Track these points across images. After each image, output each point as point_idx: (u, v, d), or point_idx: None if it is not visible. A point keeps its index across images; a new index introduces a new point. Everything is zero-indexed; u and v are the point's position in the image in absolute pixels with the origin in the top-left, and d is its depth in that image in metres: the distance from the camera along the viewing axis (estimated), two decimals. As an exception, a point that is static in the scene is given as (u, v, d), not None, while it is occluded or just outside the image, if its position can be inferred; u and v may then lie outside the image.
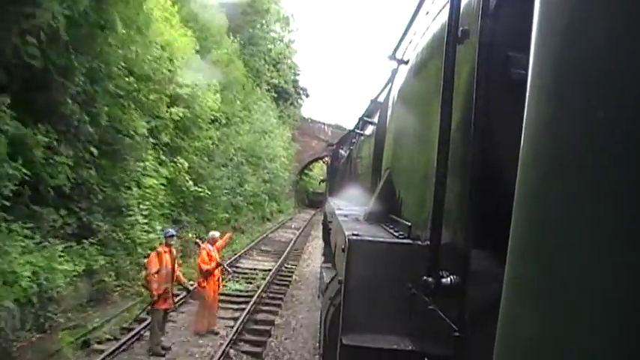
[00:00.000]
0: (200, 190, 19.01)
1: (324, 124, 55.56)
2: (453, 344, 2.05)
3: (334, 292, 4.37)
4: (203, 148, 21.09)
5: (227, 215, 24.61)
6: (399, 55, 4.63)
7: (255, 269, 18.21)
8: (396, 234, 3.60)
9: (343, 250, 3.46)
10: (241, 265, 19.00)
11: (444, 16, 2.49)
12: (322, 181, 38.18)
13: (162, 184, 16.07)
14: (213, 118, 21.73)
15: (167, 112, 17.17)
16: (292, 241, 26.66)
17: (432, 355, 2.53)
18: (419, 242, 3.04)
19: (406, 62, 4.35)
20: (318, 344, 8.72)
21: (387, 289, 3.16)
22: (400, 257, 3.18)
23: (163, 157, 17.08)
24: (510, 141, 1.11)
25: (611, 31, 0.68)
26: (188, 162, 18.75)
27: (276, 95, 46.74)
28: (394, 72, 5.26)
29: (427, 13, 3.63)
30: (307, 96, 60.74)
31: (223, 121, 25.28)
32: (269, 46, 46.49)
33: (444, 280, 2.15)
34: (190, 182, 18.36)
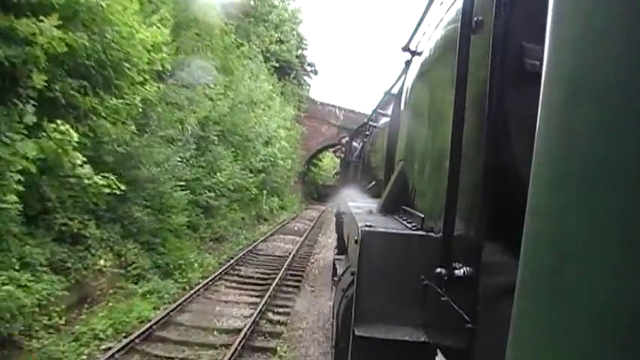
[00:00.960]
0: (105, 184, 10.40)
1: (335, 106, 48.01)
2: (466, 336, 2.05)
3: (347, 284, 4.38)
4: (129, 109, 11.93)
5: (188, 220, 16.12)
6: (412, 47, 4.61)
7: (213, 330, 9.87)
8: (409, 225, 3.59)
9: (356, 242, 3.46)
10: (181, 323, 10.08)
11: (458, 7, 2.47)
12: (336, 174, 36.95)
13: (23, 172, 8.38)
14: (158, 66, 13.13)
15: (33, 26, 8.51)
16: (290, 256, 17.79)
17: (444, 346, 2.54)
18: (432, 234, 3.04)
19: (420, 54, 4.33)
20: (330, 336, 8.75)
21: (399, 280, 3.17)
22: (413, 248, 3.18)
23: (33, 119, 8.84)
24: (524, 132, 1.11)
25: (626, 20, 0.67)
26: (98, 130, 11.19)
27: (277, 65, 39.02)
28: (408, 63, 5.23)
29: (441, 3, 3.60)
30: (316, 73, 53.68)
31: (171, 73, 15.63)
32: (268, 9, 39.77)
33: (457, 271, 2.15)
34: (86, 168, 9.99)
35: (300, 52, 48.05)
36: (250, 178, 24.82)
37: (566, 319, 0.73)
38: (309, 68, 52.69)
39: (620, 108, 0.67)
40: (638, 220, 0.63)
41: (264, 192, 30.08)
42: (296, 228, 28.54)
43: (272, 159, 30.41)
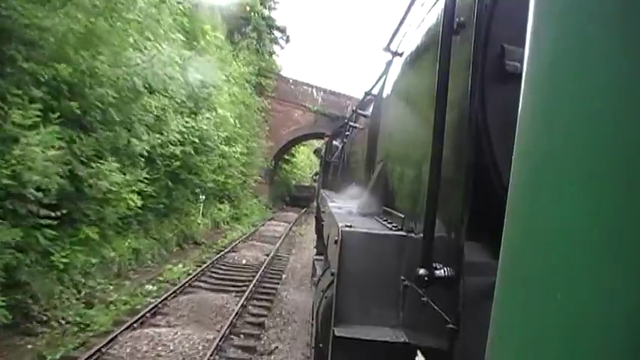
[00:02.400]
0: None
1: (312, 86, 37.46)
2: (447, 336, 2.06)
3: (326, 284, 4.38)
4: None
5: None
6: (393, 47, 4.62)
7: None
8: (389, 226, 3.60)
9: (336, 242, 3.46)
10: None
11: (440, 8, 2.48)
12: (315, 174, 31.85)
13: None
14: None
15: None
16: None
17: (425, 347, 2.55)
18: (412, 234, 3.05)
19: (400, 54, 4.34)
20: (310, 337, 8.74)
21: (380, 281, 3.17)
22: (393, 249, 3.19)
23: None
24: (505, 133, 1.11)
25: (606, 23, 0.68)
26: None
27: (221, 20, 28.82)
28: (388, 64, 5.25)
29: (422, 4, 3.62)
30: (287, 41, 41.63)
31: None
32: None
33: (437, 271, 2.15)
34: None
35: (265, 9, 37.94)
36: (161, 179, 15.72)
37: (545, 319, 0.73)
38: (278, 34, 40.87)
39: (599, 109, 0.67)
40: (619, 217, 0.63)
41: (201, 197, 20.42)
42: (244, 262, 16.57)
43: (207, 139, 18.84)
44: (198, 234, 20.27)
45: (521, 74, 0.89)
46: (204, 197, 20.94)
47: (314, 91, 37.33)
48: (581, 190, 0.69)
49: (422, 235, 2.33)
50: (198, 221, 20.83)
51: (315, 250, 14.65)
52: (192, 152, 17.88)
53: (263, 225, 28.64)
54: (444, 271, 2.14)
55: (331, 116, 33.78)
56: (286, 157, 45.16)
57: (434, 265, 2.19)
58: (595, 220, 0.66)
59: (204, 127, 18.74)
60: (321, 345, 4.37)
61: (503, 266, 0.89)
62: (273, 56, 40.51)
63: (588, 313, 0.65)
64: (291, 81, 38.28)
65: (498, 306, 0.88)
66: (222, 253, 17.73)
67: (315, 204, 18.34)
